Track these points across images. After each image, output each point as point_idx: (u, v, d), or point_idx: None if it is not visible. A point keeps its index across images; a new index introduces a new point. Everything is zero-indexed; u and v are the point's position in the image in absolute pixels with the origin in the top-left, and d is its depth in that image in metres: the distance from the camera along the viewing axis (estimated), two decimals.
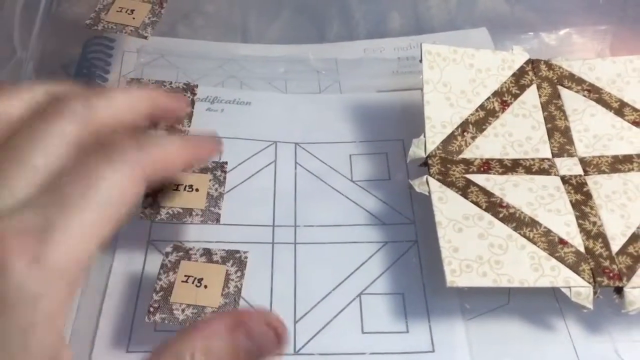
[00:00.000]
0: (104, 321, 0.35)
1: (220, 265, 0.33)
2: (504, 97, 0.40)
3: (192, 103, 0.39)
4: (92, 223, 0.21)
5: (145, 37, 0.39)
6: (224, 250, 0.34)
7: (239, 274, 0.33)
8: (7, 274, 0.19)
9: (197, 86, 0.40)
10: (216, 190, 0.36)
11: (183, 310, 0.32)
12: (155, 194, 0.35)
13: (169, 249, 0.34)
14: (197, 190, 0.36)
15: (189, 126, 0.38)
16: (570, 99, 0.40)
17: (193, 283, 0.33)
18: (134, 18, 0.40)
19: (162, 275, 0.33)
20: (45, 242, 0.19)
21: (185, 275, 0.33)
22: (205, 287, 0.32)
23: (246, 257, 0.34)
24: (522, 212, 0.35)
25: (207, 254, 0.34)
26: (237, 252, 0.34)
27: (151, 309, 0.32)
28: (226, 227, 0.39)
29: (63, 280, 0.20)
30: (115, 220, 0.21)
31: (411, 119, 0.42)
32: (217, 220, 0.35)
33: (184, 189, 0.36)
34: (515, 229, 0.34)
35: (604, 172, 0.37)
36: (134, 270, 0.37)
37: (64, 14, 0.49)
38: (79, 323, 0.35)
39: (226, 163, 0.37)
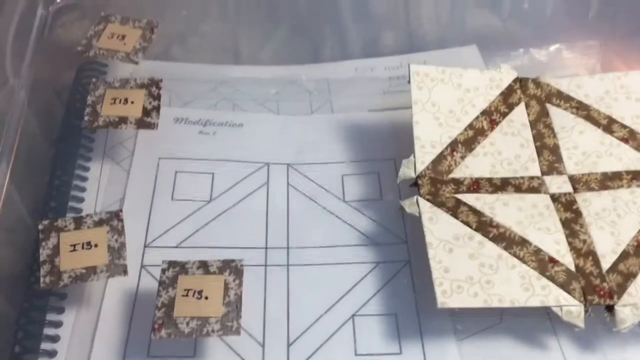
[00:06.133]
0: (97, 345, 0.35)
1: (218, 276, 0.33)
2: (492, 116, 0.40)
3: (159, 96, 0.38)
4: None
5: (136, 63, 0.40)
6: (219, 260, 0.34)
7: (237, 281, 0.33)
8: None
9: (161, 80, 0.39)
10: (116, 240, 0.35)
11: (187, 323, 0.32)
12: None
13: (164, 266, 0.34)
14: (96, 246, 0.34)
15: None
16: (559, 116, 0.40)
17: (193, 296, 0.33)
18: (125, 44, 0.41)
19: (162, 292, 0.33)
20: None
21: (185, 289, 0.33)
22: (206, 298, 0.33)
23: (242, 266, 0.34)
24: (512, 232, 0.35)
25: (204, 266, 0.34)
26: (233, 261, 0.34)
27: (156, 326, 0.32)
28: (219, 250, 0.39)
29: None
30: None
31: (403, 138, 0.42)
32: (125, 272, 0.34)
33: (82, 248, 0.34)
34: (505, 248, 0.34)
35: (593, 189, 0.37)
36: (127, 295, 0.37)
37: (56, 39, 0.49)
38: (73, 347, 0.35)
39: (121, 211, 0.36)
